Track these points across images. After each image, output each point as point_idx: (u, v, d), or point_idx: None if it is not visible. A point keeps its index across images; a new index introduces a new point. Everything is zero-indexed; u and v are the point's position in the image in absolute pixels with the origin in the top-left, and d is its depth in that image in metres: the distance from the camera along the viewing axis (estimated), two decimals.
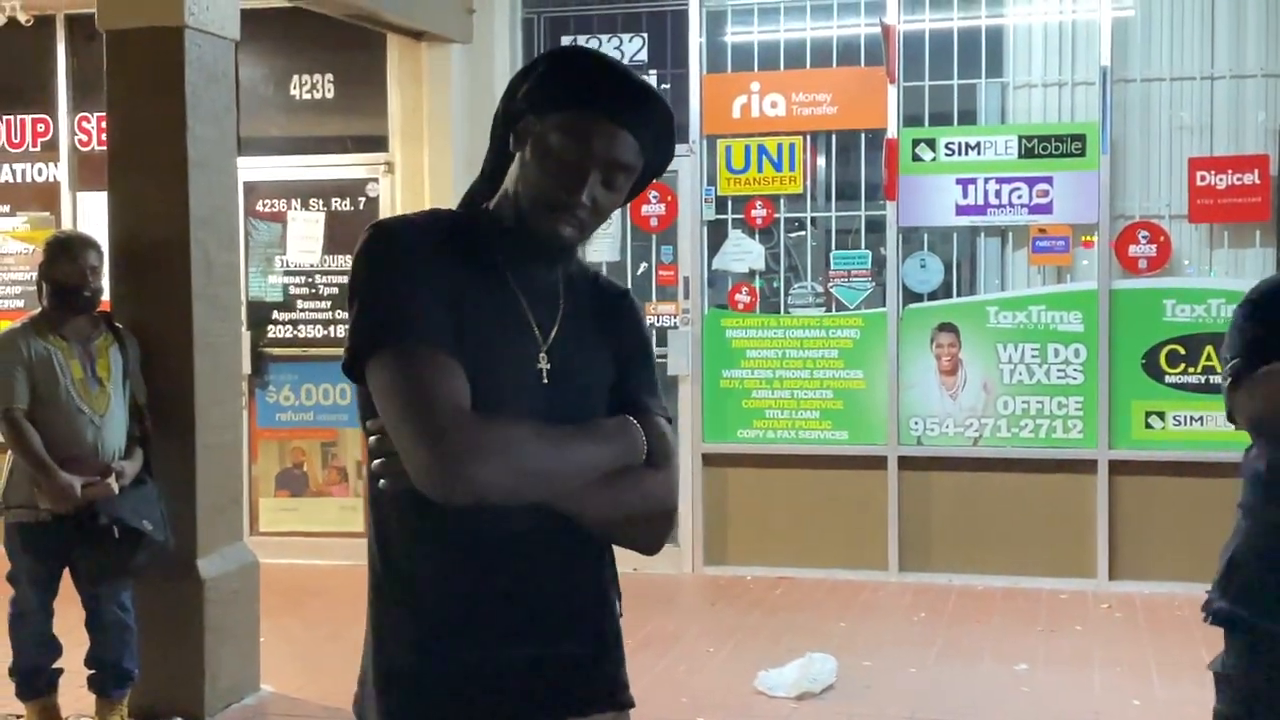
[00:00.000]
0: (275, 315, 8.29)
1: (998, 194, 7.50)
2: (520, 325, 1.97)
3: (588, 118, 1.92)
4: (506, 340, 1.95)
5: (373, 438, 1.91)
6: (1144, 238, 7.33)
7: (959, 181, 7.53)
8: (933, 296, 7.64)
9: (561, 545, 1.97)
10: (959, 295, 7.64)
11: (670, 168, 7.93)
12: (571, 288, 2.06)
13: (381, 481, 1.91)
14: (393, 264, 1.90)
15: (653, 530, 2.04)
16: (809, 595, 7.36)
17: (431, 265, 1.91)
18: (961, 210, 7.55)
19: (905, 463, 7.64)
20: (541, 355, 1.97)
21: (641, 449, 2.00)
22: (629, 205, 7.71)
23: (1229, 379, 2.91)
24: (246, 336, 8.08)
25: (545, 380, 1.97)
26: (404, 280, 1.88)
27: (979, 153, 7.51)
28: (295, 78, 8.36)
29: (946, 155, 7.54)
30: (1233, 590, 2.99)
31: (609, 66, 1.99)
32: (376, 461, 1.91)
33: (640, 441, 2.00)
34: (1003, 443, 7.54)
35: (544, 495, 1.89)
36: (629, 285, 7.75)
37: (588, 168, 1.92)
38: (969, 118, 7.67)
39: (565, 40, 8.05)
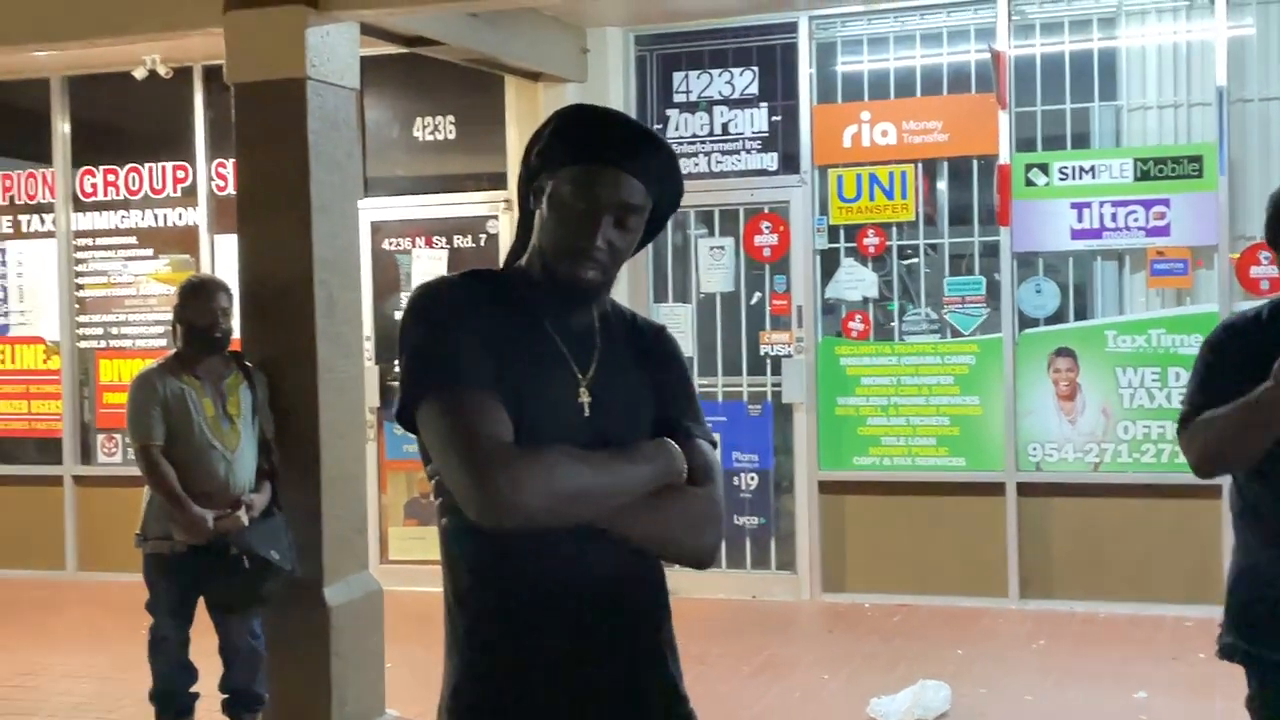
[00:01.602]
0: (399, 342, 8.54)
1: (1114, 217, 7.44)
2: (559, 364, 2.11)
3: (594, 168, 2.08)
4: (547, 379, 2.09)
5: (433, 479, 2.06)
6: (1265, 259, 7.20)
7: (1074, 205, 7.49)
8: (1049, 321, 7.60)
9: (612, 567, 2.08)
10: (1075, 320, 7.58)
11: (782, 198, 8.10)
12: (607, 328, 2.19)
13: (444, 519, 2.06)
14: (434, 319, 2.07)
15: (701, 545, 2.15)
16: (927, 622, 7.36)
17: (471, 317, 2.07)
18: (1077, 234, 7.50)
19: (1024, 489, 7.59)
20: (582, 390, 2.11)
21: (680, 468, 2.11)
22: (742, 237, 7.87)
23: (1178, 422, 2.93)
24: (376, 370, 8.36)
25: (587, 413, 2.10)
26: (445, 332, 2.05)
27: (1094, 176, 7.46)
28: (418, 120, 8.64)
29: (1060, 180, 7.51)
30: (1231, 622, 2.98)
31: (610, 118, 2.16)
32: (437, 500, 2.06)
33: (678, 460, 2.11)
34: (1124, 468, 7.45)
35: (586, 516, 2.02)
36: (743, 316, 7.92)
37: (599, 213, 2.07)
38: (1083, 141, 7.63)
39: (678, 77, 8.20)
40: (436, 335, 2.05)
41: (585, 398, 2.10)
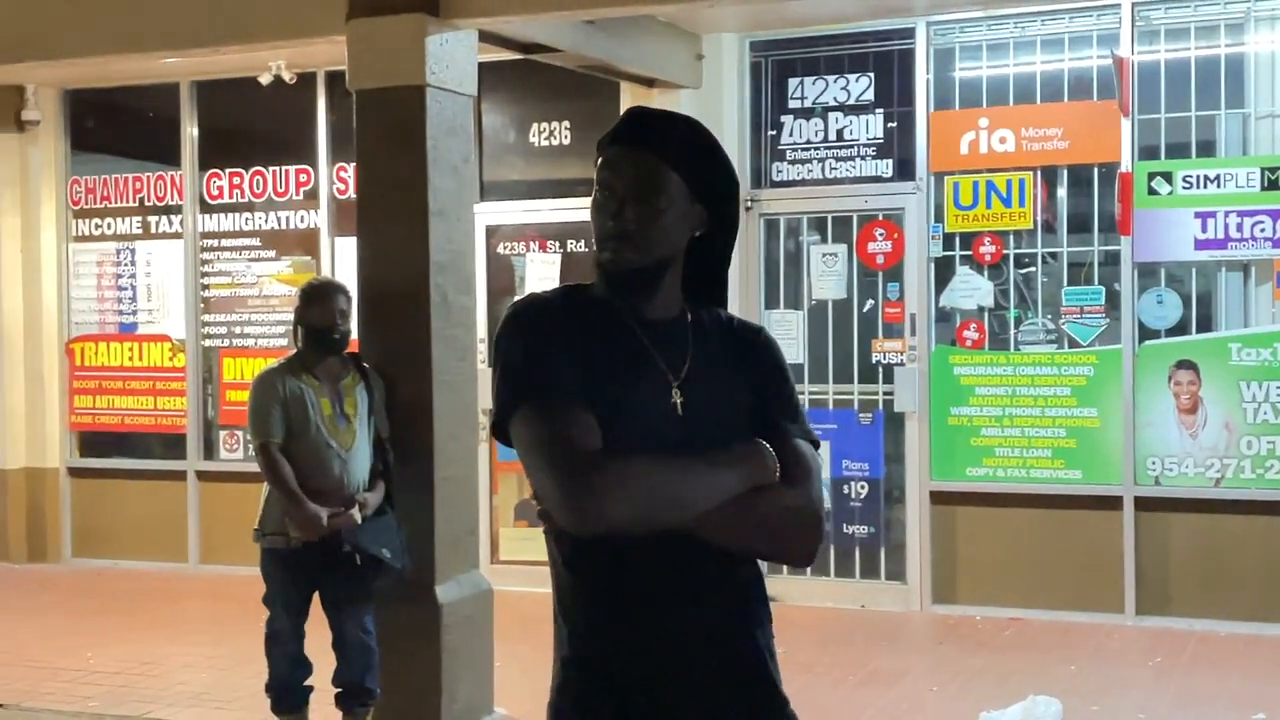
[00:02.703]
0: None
1: (1239, 227, 7.26)
2: (650, 367, 2.13)
3: (607, 153, 2.16)
4: (638, 381, 2.11)
5: (534, 487, 2.11)
6: None
7: (1198, 215, 7.32)
8: (1170, 333, 7.44)
9: (706, 569, 2.09)
10: (1198, 332, 7.41)
11: (896, 205, 8.05)
12: (701, 330, 2.21)
13: (544, 525, 2.11)
14: (522, 333, 2.12)
15: (797, 544, 2.16)
16: (1039, 637, 7.24)
17: (559, 329, 2.11)
18: (1201, 244, 7.33)
19: (1142, 503, 7.44)
20: (674, 390, 2.12)
21: (772, 468, 2.11)
22: (855, 244, 7.82)
23: None
24: (488, 373, 8.44)
25: (680, 413, 2.11)
26: (533, 345, 2.10)
27: (1219, 185, 7.29)
28: (534, 125, 8.74)
29: (1184, 188, 7.35)
30: None
31: (636, 108, 2.24)
32: (539, 510, 2.11)
33: (770, 462, 2.12)
34: (1246, 484, 7.27)
35: (673, 520, 2.03)
36: (855, 323, 7.87)
37: (610, 193, 2.13)
38: (1208, 149, 7.46)
39: (793, 83, 8.18)
40: (524, 349, 2.10)
41: (678, 398, 2.12)
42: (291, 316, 5.52)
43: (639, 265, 2.13)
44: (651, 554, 2.05)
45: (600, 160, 2.17)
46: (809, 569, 7.19)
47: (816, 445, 2.23)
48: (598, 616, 2.10)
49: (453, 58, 5.77)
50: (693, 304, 2.23)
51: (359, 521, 5.18)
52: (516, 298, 8.55)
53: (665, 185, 2.13)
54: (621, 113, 8.20)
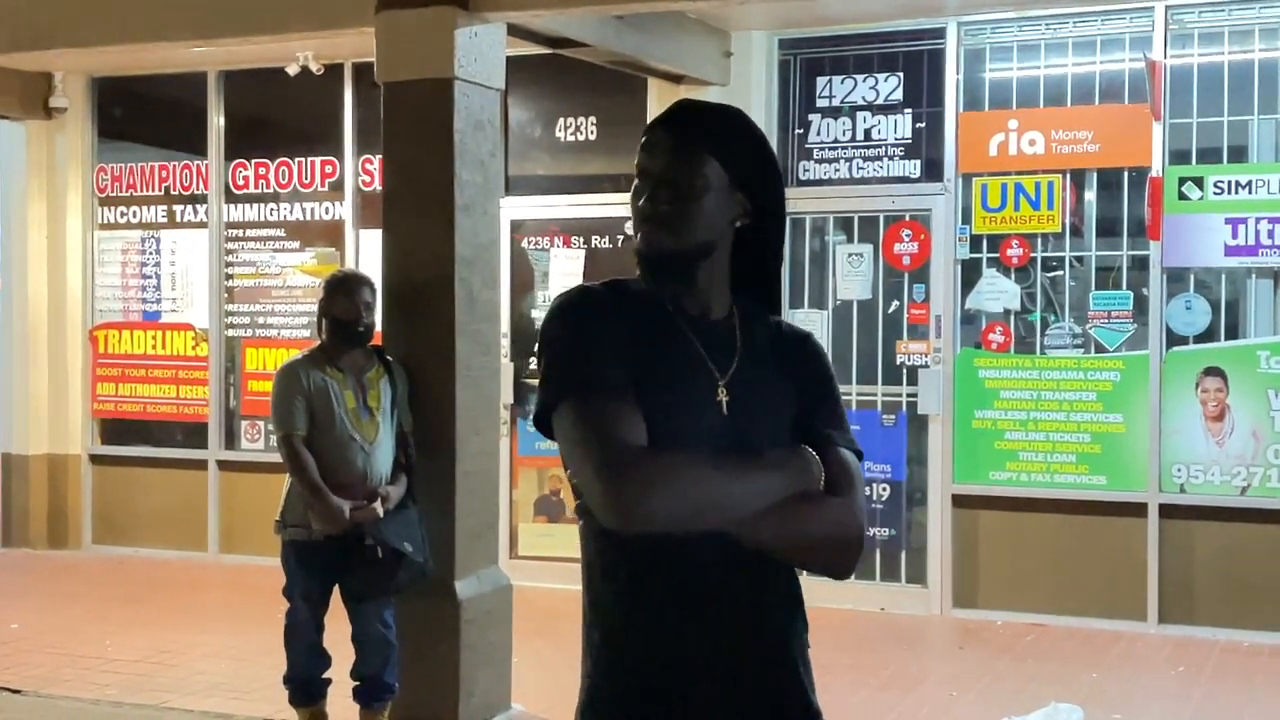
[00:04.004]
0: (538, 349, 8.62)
1: (1270, 234, 7.20)
2: (696, 364, 2.10)
3: (650, 137, 2.14)
4: (684, 378, 2.08)
5: (574, 482, 2.07)
6: None
7: (1228, 221, 7.26)
8: (1198, 339, 7.38)
9: (744, 575, 2.06)
10: (1226, 339, 7.35)
11: (924, 206, 8.00)
12: (748, 331, 2.17)
13: (581, 521, 2.09)
14: (569, 326, 2.09)
15: (838, 556, 2.12)
16: (1061, 644, 7.19)
17: (606, 323, 2.08)
18: (1231, 251, 7.27)
19: (1167, 510, 7.38)
20: (720, 389, 2.09)
21: (817, 477, 2.08)
22: (882, 244, 7.79)
23: None
24: (510, 367, 8.45)
25: (725, 413, 2.08)
26: (580, 338, 2.06)
27: (1250, 191, 7.23)
28: (560, 120, 8.71)
29: (1215, 194, 7.28)
30: None
31: (684, 99, 2.21)
32: (577, 502, 2.09)
33: (815, 469, 2.08)
34: (1273, 493, 7.20)
35: (716, 523, 2.00)
36: (879, 324, 7.83)
37: (649, 174, 2.11)
38: (1240, 155, 7.39)
39: (821, 81, 8.13)
40: (571, 342, 2.07)
41: (724, 396, 2.09)
42: (314, 308, 5.52)
43: (673, 249, 2.09)
44: (690, 556, 2.02)
45: (646, 139, 2.14)
46: None
47: (860, 456, 2.19)
48: (635, 619, 2.07)
49: (481, 51, 5.75)
50: (744, 304, 2.19)
51: (381, 515, 5.16)
52: (540, 294, 8.64)
53: (701, 169, 2.10)
54: (648, 109, 8.14)
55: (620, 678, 2.07)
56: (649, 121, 2.17)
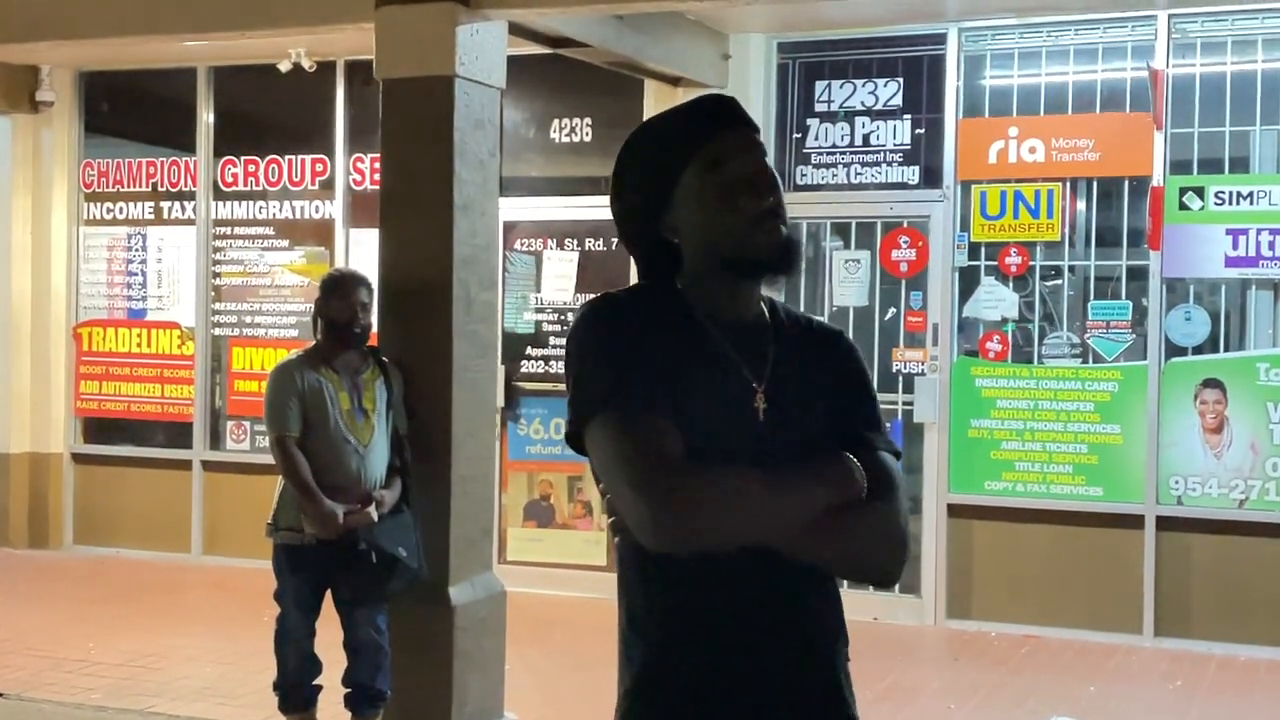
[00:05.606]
0: (529, 350, 8.55)
1: (1271, 245, 7.15)
2: (731, 369, 2.03)
3: (727, 134, 2.05)
4: (719, 384, 2.01)
5: (606, 497, 1.99)
6: None
7: (1229, 232, 7.21)
8: (1197, 351, 7.33)
9: (787, 591, 1.99)
10: (1226, 350, 7.30)
11: (922, 212, 7.95)
12: (780, 333, 2.11)
13: (617, 539, 2.00)
14: (602, 339, 2.00)
15: (884, 564, 2.05)
16: (1057, 656, 7.13)
17: (639, 333, 1.99)
18: (1231, 262, 7.22)
19: (1164, 523, 7.33)
20: (757, 394, 2.02)
21: (860, 484, 2.00)
22: (879, 251, 7.73)
23: None
24: (501, 370, 8.35)
25: (761, 418, 2.01)
26: (614, 352, 1.97)
27: (1252, 202, 7.19)
28: (555, 121, 8.62)
29: (1216, 204, 7.24)
30: None
31: (722, 97, 2.13)
32: (610, 519, 2.00)
33: (858, 476, 2.00)
34: (1271, 506, 7.16)
35: (761, 538, 1.93)
36: (876, 331, 7.76)
37: (758, 169, 2.05)
38: (1241, 165, 7.35)
39: (820, 86, 8.06)
40: (601, 353, 1.99)
41: (760, 403, 2.02)
42: (303, 307, 5.45)
43: (796, 240, 2.07)
44: (733, 569, 1.95)
45: (717, 142, 2.04)
46: None
47: (898, 457, 2.12)
48: (677, 633, 1.99)
49: (483, 49, 5.66)
50: (772, 302, 2.13)
51: (375, 519, 5.07)
52: (532, 296, 8.54)
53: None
54: (644, 110, 8.06)
55: (661, 701, 1.99)
56: (708, 115, 2.07)
